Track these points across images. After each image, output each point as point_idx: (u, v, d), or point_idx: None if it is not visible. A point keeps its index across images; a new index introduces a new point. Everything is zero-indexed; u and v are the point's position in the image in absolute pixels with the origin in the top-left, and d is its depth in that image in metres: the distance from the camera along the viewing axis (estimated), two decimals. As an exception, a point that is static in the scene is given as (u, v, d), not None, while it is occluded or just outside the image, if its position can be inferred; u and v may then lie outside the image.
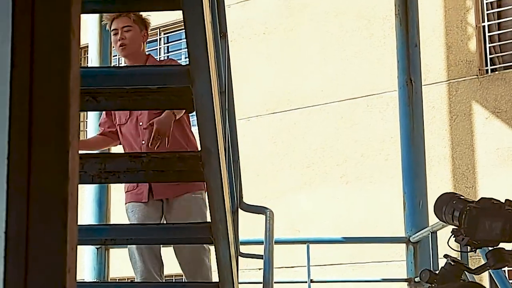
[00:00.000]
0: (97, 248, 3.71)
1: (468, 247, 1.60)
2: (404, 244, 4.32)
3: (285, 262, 6.50)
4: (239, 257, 2.68)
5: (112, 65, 2.26)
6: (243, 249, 3.11)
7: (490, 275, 3.26)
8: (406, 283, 4.28)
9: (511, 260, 1.56)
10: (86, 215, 3.92)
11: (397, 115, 4.95)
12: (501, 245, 1.57)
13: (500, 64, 6.98)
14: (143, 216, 2.76)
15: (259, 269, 6.30)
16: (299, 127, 7.57)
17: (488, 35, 6.98)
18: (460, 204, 1.61)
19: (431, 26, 7.16)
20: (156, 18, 8.56)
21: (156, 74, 1.63)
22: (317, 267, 6.08)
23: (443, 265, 1.63)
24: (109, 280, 3.93)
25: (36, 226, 0.44)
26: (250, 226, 4.31)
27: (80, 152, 2.45)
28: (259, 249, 3.32)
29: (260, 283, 2.81)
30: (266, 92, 7.78)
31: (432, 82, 7.05)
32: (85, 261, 4.05)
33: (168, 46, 8.91)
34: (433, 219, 4.65)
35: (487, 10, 7.03)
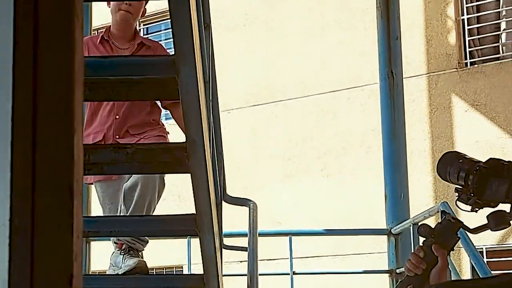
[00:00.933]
0: (78, 241, 3.67)
1: (470, 207, 1.62)
2: (386, 236, 4.35)
3: (266, 255, 6.51)
4: (223, 249, 2.67)
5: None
6: (226, 241, 3.10)
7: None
8: (387, 275, 4.31)
9: (510, 223, 1.59)
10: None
11: (378, 107, 4.96)
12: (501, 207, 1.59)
13: (479, 57, 7.04)
14: (113, 191, 2.77)
15: (241, 261, 6.31)
16: (280, 120, 7.57)
17: (468, 29, 7.03)
18: (466, 164, 1.62)
19: (411, 19, 7.19)
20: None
21: (140, 64, 1.61)
22: (299, 259, 6.10)
23: (439, 221, 1.64)
24: (90, 273, 3.90)
25: (41, 214, 0.42)
26: (230, 219, 4.31)
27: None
28: (240, 242, 3.31)
29: (244, 275, 2.80)
30: (247, 84, 7.77)
31: (412, 75, 7.09)
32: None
33: (147, 38, 8.81)
34: (414, 211, 4.69)
35: (466, 4, 7.08)
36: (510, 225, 1.58)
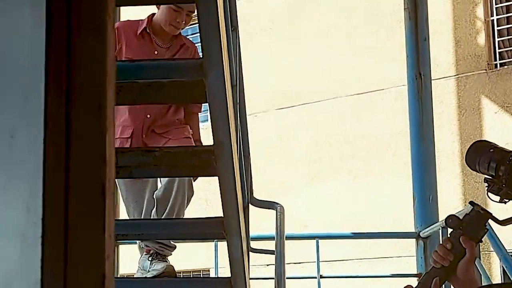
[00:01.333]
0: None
1: (499, 198, 1.59)
2: (414, 240, 4.29)
3: (293, 258, 6.49)
4: (250, 252, 2.67)
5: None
6: (253, 244, 3.10)
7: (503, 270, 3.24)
8: (415, 278, 4.26)
9: None
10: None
11: (405, 109, 4.92)
12: None
13: (509, 58, 6.93)
14: (138, 190, 2.72)
15: (268, 265, 6.30)
16: (305, 123, 7.55)
17: (497, 29, 6.93)
18: (498, 154, 1.58)
19: (439, 20, 7.12)
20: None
21: (169, 67, 1.61)
22: (326, 263, 6.07)
23: (468, 212, 1.59)
24: (118, 276, 3.93)
25: (74, 213, 0.43)
26: (257, 222, 4.30)
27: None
28: (268, 245, 3.31)
29: (270, 278, 2.80)
30: (272, 88, 7.77)
31: (440, 77, 7.02)
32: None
33: (187, 37, 8.88)
34: (443, 214, 4.62)
35: (495, 4, 6.98)
36: None
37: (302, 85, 7.64)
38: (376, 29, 7.39)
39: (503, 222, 1.58)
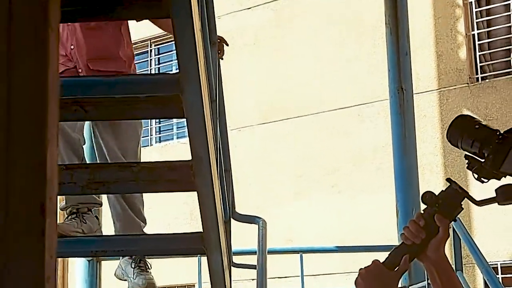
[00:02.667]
0: (89, 261, 3.68)
1: (478, 176, 1.52)
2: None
3: (278, 273, 6.47)
4: (232, 267, 2.66)
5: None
6: (236, 259, 3.09)
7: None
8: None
9: None
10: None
11: (389, 123, 4.95)
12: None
13: (490, 72, 7.01)
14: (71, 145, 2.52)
15: (252, 279, 6.27)
16: (290, 137, 7.57)
17: (478, 44, 7.01)
18: (483, 133, 1.50)
19: (421, 35, 7.19)
20: (147, 30, 8.58)
21: (145, 82, 1.61)
22: (311, 277, 6.06)
23: (444, 189, 1.53)
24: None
25: (13, 232, 0.42)
26: (241, 236, 4.29)
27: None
28: (252, 259, 3.30)
29: (254, 293, 2.78)
30: (257, 102, 7.78)
31: (423, 91, 7.07)
32: (77, 273, 4.02)
33: (158, 58, 8.92)
34: (426, 227, 4.64)
35: (476, 19, 7.07)
36: None
37: (286, 99, 7.66)
38: (359, 44, 7.45)
39: (480, 203, 1.52)
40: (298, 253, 4.27)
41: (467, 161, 1.52)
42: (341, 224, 7.02)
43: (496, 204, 1.50)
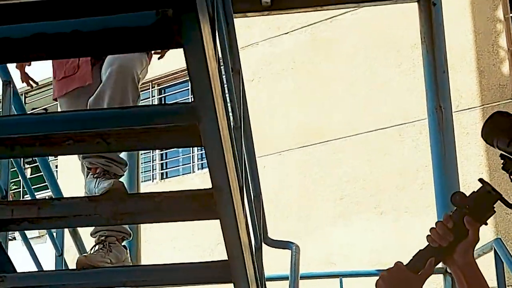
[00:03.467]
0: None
1: None
2: (442, 275, 4.19)
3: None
4: (264, 294, 2.63)
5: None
6: (271, 285, 3.06)
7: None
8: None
9: None
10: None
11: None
12: None
13: (534, 86, 6.83)
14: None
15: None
16: (330, 160, 7.51)
17: (521, 58, 6.85)
18: None
19: (461, 51, 7.08)
20: (149, 71, 8.71)
21: (162, 113, 1.62)
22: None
23: (476, 190, 1.44)
24: None
25: None
26: (281, 260, 4.25)
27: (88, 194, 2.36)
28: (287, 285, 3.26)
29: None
30: (296, 126, 7.77)
31: (465, 108, 6.94)
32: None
33: (161, 98, 9.10)
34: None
35: (518, 33, 6.92)
36: None
37: (325, 122, 7.62)
38: (397, 64, 7.37)
39: None
40: (338, 277, 4.21)
41: (502, 161, 1.44)
42: (385, 246, 6.89)
43: None
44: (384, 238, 6.97)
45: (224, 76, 1.99)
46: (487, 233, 6.46)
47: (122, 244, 2.49)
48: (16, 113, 2.38)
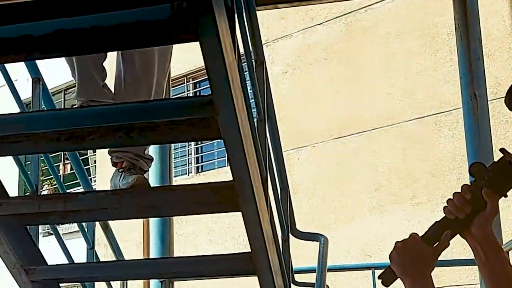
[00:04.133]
0: (161, 282, 3.75)
1: None
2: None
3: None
4: (292, 285, 2.63)
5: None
6: (301, 277, 3.05)
7: None
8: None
9: None
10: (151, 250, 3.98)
11: (466, 131, 4.75)
12: None
13: None
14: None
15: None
16: (364, 150, 7.44)
17: (561, 43, 6.66)
18: None
19: (499, 37, 6.92)
20: (184, 66, 8.80)
21: (180, 106, 1.63)
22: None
23: (496, 161, 1.39)
24: (176, 313, 3.96)
25: None
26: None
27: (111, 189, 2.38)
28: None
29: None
30: (330, 117, 7.72)
31: (503, 95, 6.77)
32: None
33: (196, 92, 9.12)
34: (507, 238, 4.40)
35: (558, 17, 6.73)
36: None
37: (360, 112, 7.55)
38: (433, 52, 7.25)
39: None
40: (370, 269, 4.17)
41: None
42: (422, 237, 6.80)
43: None
44: (421, 229, 6.87)
45: (246, 69, 1.98)
46: (527, 223, 6.31)
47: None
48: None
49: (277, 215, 2.43)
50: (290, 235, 2.66)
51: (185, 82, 9.12)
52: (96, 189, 5.76)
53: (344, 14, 7.87)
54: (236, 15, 1.75)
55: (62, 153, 10.19)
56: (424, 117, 7.17)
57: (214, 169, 8.88)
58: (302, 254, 4.70)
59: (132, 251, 7.82)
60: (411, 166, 7.11)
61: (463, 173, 6.64)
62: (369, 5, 7.62)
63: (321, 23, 8.07)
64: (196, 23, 1.42)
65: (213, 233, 8.22)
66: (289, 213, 2.64)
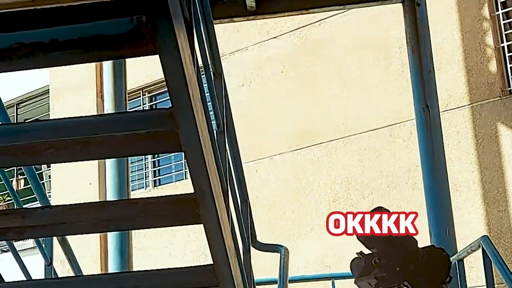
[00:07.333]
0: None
1: None
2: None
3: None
4: (253, 297, 2.64)
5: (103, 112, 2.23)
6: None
7: None
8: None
9: None
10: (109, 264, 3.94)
11: (420, 142, 4.87)
12: None
13: (522, 83, 6.86)
14: None
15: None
16: (322, 162, 7.52)
17: (508, 56, 6.89)
18: None
19: (449, 50, 7.11)
20: (139, 79, 8.78)
21: (141, 119, 1.63)
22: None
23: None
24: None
25: None
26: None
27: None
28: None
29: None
30: (287, 129, 7.78)
31: (454, 107, 6.97)
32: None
33: (152, 105, 9.09)
34: (460, 246, 4.53)
35: (505, 31, 6.96)
36: None
37: (317, 124, 7.64)
38: (386, 65, 7.40)
39: None
40: (330, 279, 4.21)
41: None
42: (379, 247, 6.90)
43: None
44: (378, 239, 6.97)
45: (205, 82, 2.00)
46: (479, 230, 6.48)
47: None
48: None
49: (238, 227, 2.44)
50: (251, 247, 2.67)
51: (141, 95, 9.07)
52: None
53: (298, 28, 7.97)
54: (194, 28, 1.77)
55: (15, 168, 9.94)
56: (379, 128, 7.30)
57: (171, 182, 8.83)
58: (259, 268, 4.72)
59: (88, 267, 7.69)
60: (368, 177, 7.22)
61: (417, 182, 6.78)
62: (322, 19, 7.74)
63: (276, 37, 8.15)
64: (156, 37, 1.43)
65: (172, 247, 8.16)
66: (249, 225, 2.65)
